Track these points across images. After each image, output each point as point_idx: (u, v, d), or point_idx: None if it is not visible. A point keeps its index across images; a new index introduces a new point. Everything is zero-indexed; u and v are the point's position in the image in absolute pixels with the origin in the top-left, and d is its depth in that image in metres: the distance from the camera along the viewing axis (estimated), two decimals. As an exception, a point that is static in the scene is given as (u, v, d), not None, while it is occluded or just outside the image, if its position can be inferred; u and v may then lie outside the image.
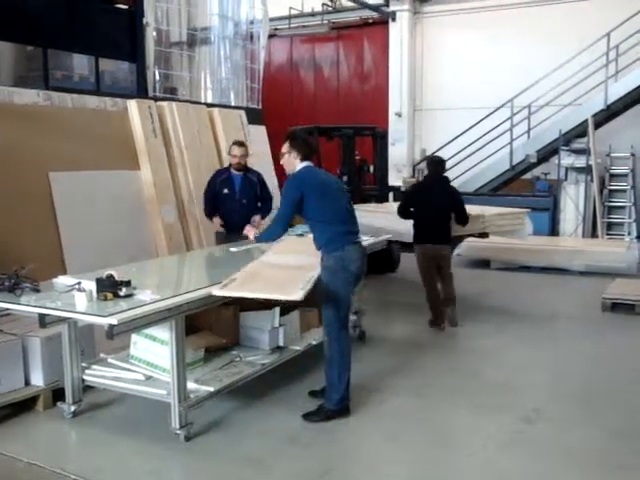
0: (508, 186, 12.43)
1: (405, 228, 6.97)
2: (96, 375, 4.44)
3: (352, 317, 5.94)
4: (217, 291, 4.06)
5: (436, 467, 3.78)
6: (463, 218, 6.55)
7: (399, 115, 14.06)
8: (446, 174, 6.85)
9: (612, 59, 11.42)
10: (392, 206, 7.84)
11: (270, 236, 4.75)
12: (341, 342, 4.41)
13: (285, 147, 4.46)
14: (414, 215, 6.56)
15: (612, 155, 11.67)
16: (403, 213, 6.63)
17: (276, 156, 9.25)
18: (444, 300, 6.57)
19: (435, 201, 6.45)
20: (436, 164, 6.70)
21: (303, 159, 4.44)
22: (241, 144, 6.55)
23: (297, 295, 3.94)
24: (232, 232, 6.24)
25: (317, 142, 8.58)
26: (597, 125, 11.32)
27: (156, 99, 8.12)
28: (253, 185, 6.58)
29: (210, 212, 6.55)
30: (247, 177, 6.54)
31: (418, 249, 6.50)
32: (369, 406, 4.59)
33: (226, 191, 6.42)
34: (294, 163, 4.44)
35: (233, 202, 6.42)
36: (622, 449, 3.95)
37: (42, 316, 3.69)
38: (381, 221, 7.28)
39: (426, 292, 6.55)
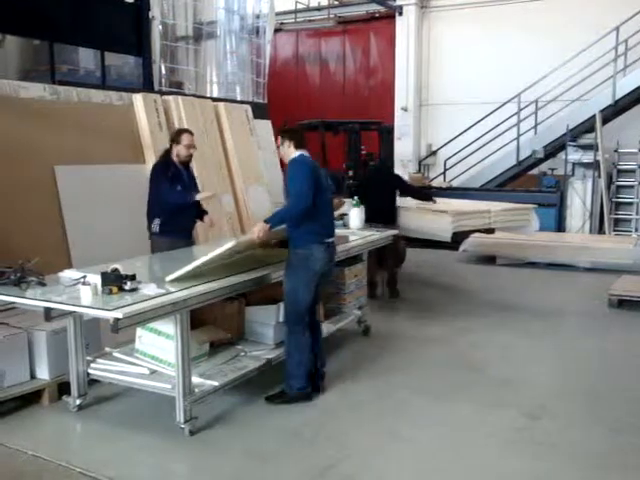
0: (514, 182, 12.39)
1: (412, 223, 7.13)
2: (101, 369, 4.45)
3: (357, 312, 5.95)
4: (168, 277, 4.10)
5: (439, 464, 3.76)
6: (412, 193, 7.74)
7: (405, 110, 14.02)
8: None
9: (621, 53, 11.34)
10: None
11: (289, 213, 4.38)
12: (298, 336, 4.47)
13: (278, 141, 4.59)
14: (366, 200, 7.05)
15: (620, 151, 11.58)
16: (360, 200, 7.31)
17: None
18: (388, 276, 7.65)
19: (380, 188, 7.42)
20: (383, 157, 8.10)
21: (297, 146, 4.50)
22: (191, 132, 5.61)
23: (230, 243, 4.19)
24: (180, 237, 5.45)
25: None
26: (605, 120, 11.24)
27: (162, 93, 8.11)
28: (194, 180, 5.73)
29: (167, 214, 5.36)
30: (190, 171, 5.70)
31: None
32: (373, 401, 4.59)
33: (179, 188, 5.44)
34: (288, 151, 4.52)
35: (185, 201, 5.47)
36: (627, 447, 3.93)
37: (48, 310, 3.70)
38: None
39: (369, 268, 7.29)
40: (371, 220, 6.96)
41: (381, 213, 7.18)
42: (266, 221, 4.32)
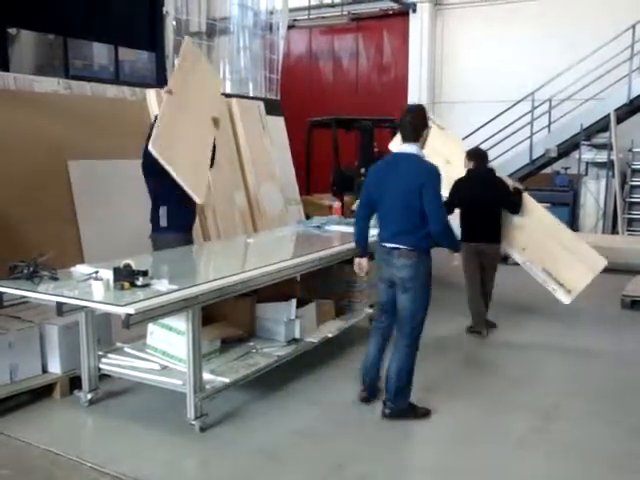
0: (527, 180, 12.31)
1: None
2: (112, 364, 4.46)
3: (368, 310, 5.93)
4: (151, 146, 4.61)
5: (451, 463, 3.74)
6: (511, 207, 6.29)
7: (418, 107, 13.95)
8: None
9: (637, 52, 11.22)
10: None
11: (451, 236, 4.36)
12: (415, 351, 4.32)
13: None
14: (460, 212, 6.20)
15: (634, 150, 11.47)
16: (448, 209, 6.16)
17: (294, 147, 9.28)
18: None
19: (482, 196, 6.10)
20: (481, 157, 6.36)
21: (402, 139, 4.22)
22: None
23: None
24: (184, 233, 5.39)
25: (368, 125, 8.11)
26: (619, 120, 11.14)
27: (175, 89, 8.10)
28: None
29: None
30: None
31: (464, 247, 5.58)
32: (385, 400, 4.57)
33: None
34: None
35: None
36: (641, 450, 3.90)
37: (60, 304, 3.71)
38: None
39: (468, 296, 6.24)
40: (465, 237, 6.01)
41: (478, 228, 6.07)
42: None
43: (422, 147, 4.23)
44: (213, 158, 5.62)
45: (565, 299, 6.28)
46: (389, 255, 4.19)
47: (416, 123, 4.17)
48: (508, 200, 6.27)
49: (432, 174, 4.09)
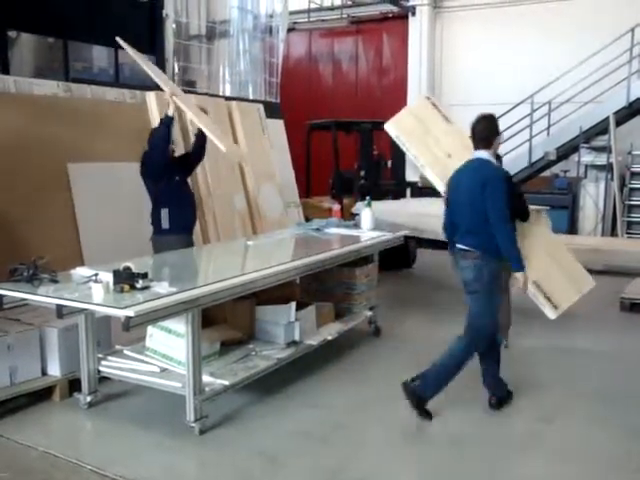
0: (526, 183, 12.32)
1: (426, 225, 6.86)
2: (112, 366, 4.46)
3: (368, 313, 5.94)
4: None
5: (452, 466, 3.74)
6: (522, 213, 5.87)
7: (417, 110, 13.97)
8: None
9: (636, 55, 11.24)
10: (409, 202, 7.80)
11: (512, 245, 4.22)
12: (470, 356, 4.39)
13: None
14: None
15: (633, 153, 11.49)
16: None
17: (294, 150, 9.29)
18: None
19: None
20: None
21: (475, 147, 4.38)
22: None
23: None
24: (185, 234, 5.48)
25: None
26: (618, 122, 11.17)
27: (175, 92, 8.12)
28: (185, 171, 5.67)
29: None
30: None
31: None
32: (384, 403, 4.56)
33: (177, 178, 5.43)
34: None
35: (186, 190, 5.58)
36: (641, 451, 3.90)
37: (59, 307, 3.71)
38: (403, 218, 7.25)
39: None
40: None
41: None
42: None
43: (494, 153, 4.41)
44: (204, 148, 5.73)
45: (551, 314, 6.23)
46: (457, 256, 4.34)
47: (487, 132, 4.37)
48: (521, 205, 6.13)
49: (495, 177, 4.23)
